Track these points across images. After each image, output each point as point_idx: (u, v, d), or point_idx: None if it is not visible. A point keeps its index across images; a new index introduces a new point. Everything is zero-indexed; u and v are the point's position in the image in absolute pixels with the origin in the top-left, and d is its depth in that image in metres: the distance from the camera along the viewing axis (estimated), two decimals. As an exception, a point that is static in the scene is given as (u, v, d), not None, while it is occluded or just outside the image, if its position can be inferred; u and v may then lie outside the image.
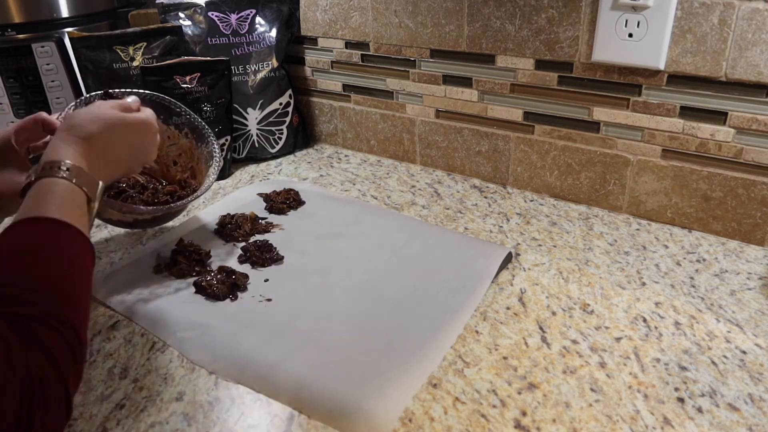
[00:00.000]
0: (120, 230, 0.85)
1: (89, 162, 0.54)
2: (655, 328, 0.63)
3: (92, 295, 0.70)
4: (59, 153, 0.53)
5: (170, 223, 0.87)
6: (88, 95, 0.73)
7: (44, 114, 0.64)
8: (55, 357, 0.41)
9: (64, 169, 0.52)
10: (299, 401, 0.54)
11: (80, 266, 0.48)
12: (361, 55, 1.04)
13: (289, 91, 1.10)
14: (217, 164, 0.78)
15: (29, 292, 0.43)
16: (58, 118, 0.65)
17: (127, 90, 0.75)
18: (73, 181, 0.52)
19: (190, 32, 1.05)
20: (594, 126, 0.85)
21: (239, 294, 0.69)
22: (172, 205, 0.74)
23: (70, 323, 0.43)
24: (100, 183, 0.54)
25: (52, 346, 0.41)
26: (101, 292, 0.70)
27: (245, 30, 1.06)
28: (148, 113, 0.63)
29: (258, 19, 1.07)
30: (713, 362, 0.58)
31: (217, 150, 0.79)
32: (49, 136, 0.65)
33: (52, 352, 0.41)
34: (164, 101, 0.78)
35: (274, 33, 1.07)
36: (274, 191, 0.91)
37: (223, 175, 1.02)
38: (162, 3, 1.06)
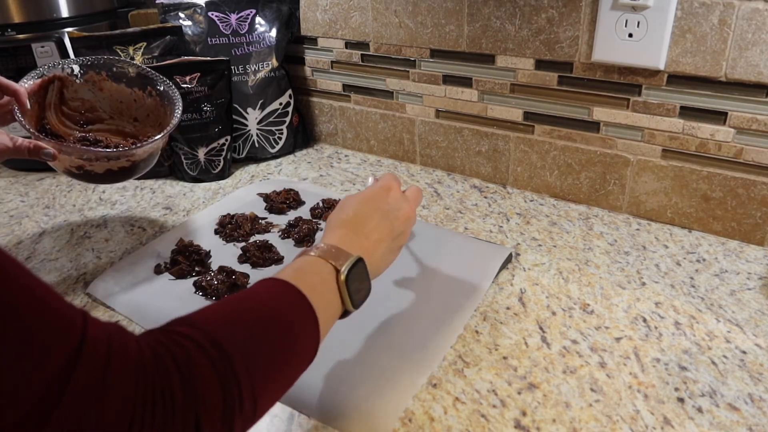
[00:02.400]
0: (120, 230, 0.85)
1: (347, 239, 0.53)
2: (655, 328, 0.63)
3: (92, 295, 0.70)
4: (324, 240, 0.54)
5: (170, 223, 0.87)
6: (42, 66, 0.74)
7: (1, 78, 0.67)
8: (192, 380, 0.33)
9: (319, 247, 0.51)
10: (299, 401, 0.54)
11: (288, 327, 0.43)
12: (361, 55, 1.04)
13: (289, 91, 1.10)
14: (179, 110, 0.76)
15: (211, 326, 0.37)
16: (24, 87, 0.69)
17: (84, 59, 0.77)
18: (319, 254, 0.50)
19: (190, 32, 1.05)
20: (594, 126, 0.85)
21: (239, 294, 0.69)
22: (128, 148, 0.72)
23: (238, 371, 0.36)
24: (352, 255, 0.51)
25: (195, 369, 0.34)
26: (101, 291, 0.70)
27: (245, 30, 1.06)
28: (385, 180, 0.63)
29: (258, 19, 1.07)
30: (713, 362, 0.58)
31: (177, 98, 0.78)
32: (6, 98, 0.68)
33: (190, 373, 0.34)
34: (112, 61, 0.79)
35: (274, 33, 1.07)
36: (274, 191, 0.91)
37: (223, 175, 1.02)
38: (162, 3, 1.06)
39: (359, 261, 0.51)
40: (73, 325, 0.30)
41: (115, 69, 0.79)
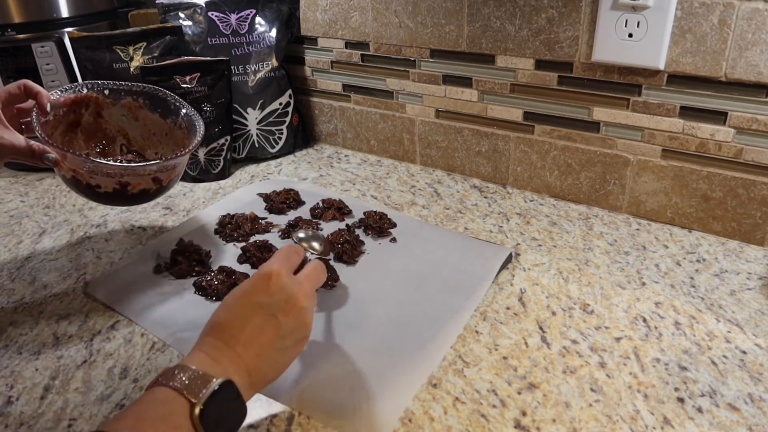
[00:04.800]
0: (120, 230, 0.85)
1: (215, 353, 0.44)
2: (655, 328, 0.63)
3: (92, 295, 0.70)
4: (187, 356, 0.44)
5: (170, 223, 0.87)
6: (74, 84, 0.74)
7: (29, 81, 0.67)
8: None
9: (170, 373, 0.41)
10: (299, 401, 0.54)
11: None
12: (361, 55, 1.04)
13: (289, 91, 1.10)
14: (201, 129, 0.74)
15: None
16: (49, 101, 0.68)
17: (119, 83, 0.76)
18: (177, 386, 0.40)
19: (190, 32, 1.05)
20: (594, 126, 0.85)
21: (239, 294, 0.69)
22: (129, 166, 0.69)
23: None
24: (215, 379, 0.41)
25: None
26: (101, 292, 0.70)
27: (245, 30, 1.06)
28: (267, 264, 0.50)
29: (258, 19, 1.07)
30: (713, 362, 0.58)
31: (200, 128, 0.74)
32: (30, 101, 0.67)
33: None
34: (152, 91, 0.77)
35: (274, 33, 1.07)
36: (274, 191, 0.91)
37: (223, 175, 1.02)
38: (162, 3, 1.06)
39: (226, 385, 0.42)
40: None
41: (153, 97, 0.77)
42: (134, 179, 0.68)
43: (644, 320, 0.64)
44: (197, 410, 0.40)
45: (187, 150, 0.71)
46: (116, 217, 0.89)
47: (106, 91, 0.76)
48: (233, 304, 0.48)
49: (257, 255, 0.74)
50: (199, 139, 0.73)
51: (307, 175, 1.03)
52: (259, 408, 0.54)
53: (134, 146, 0.80)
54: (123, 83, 0.77)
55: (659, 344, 0.60)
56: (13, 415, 0.53)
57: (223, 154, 1.01)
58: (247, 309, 0.47)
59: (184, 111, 0.77)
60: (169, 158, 0.69)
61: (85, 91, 0.74)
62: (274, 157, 1.10)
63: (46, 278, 0.74)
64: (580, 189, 0.89)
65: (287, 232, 0.81)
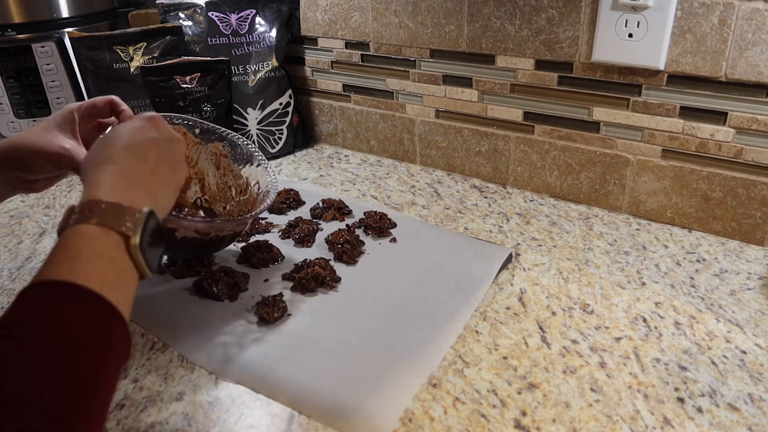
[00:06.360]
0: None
1: (126, 183, 0.43)
2: (655, 328, 0.63)
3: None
4: (87, 191, 0.42)
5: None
6: (168, 114, 0.69)
7: (117, 98, 0.63)
8: None
9: (92, 206, 0.40)
10: (299, 401, 0.54)
11: (88, 358, 0.35)
12: (361, 55, 1.04)
13: (289, 91, 1.10)
14: (274, 190, 0.71)
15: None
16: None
17: (212, 125, 0.72)
18: (94, 221, 0.39)
19: (190, 32, 1.05)
20: (594, 126, 0.85)
21: (239, 294, 0.69)
22: (240, 217, 0.68)
23: None
24: (141, 211, 0.41)
25: None
26: (101, 292, 0.70)
27: (245, 30, 1.06)
28: (144, 113, 0.54)
29: (258, 19, 1.07)
30: (713, 362, 0.58)
31: (272, 174, 0.72)
32: (113, 118, 0.62)
33: None
34: (216, 130, 0.73)
35: (274, 33, 1.07)
36: (274, 191, 0.91)
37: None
38: (162, 3, 1.06)
39: (150, 216, 0.41)
40: None
41: (239, 148, 0.74)
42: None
43: (644, 320, 0.64)
44: (134, 241, 0.39)
45: (251, 214, 0.68)
46: (116, 217, 0.89)
47: (197, 130, 0.72)
48: (131, 134, 0.48)
49: (257, 255, 0.74)
50: (269, 202, 0.69)
51: (307, 175, 1.03)
52: (259, 408, 0.54)
53: (207, 194, 0.73)
54: (216, 126, 0.72)
55: (659, 344, 0.60)
56: (13, 415, 0.53)
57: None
58: (146, 140, 0.48)
59: (264, 172, 0.73)
60: (240, 216, 0.68)
61: (177, 123, 0.69)
62: (274, 157, 1.10)
63: (46, 278, 0.74)
64: (580, 189, 0.89)
65: (287, 232, 0.81)
